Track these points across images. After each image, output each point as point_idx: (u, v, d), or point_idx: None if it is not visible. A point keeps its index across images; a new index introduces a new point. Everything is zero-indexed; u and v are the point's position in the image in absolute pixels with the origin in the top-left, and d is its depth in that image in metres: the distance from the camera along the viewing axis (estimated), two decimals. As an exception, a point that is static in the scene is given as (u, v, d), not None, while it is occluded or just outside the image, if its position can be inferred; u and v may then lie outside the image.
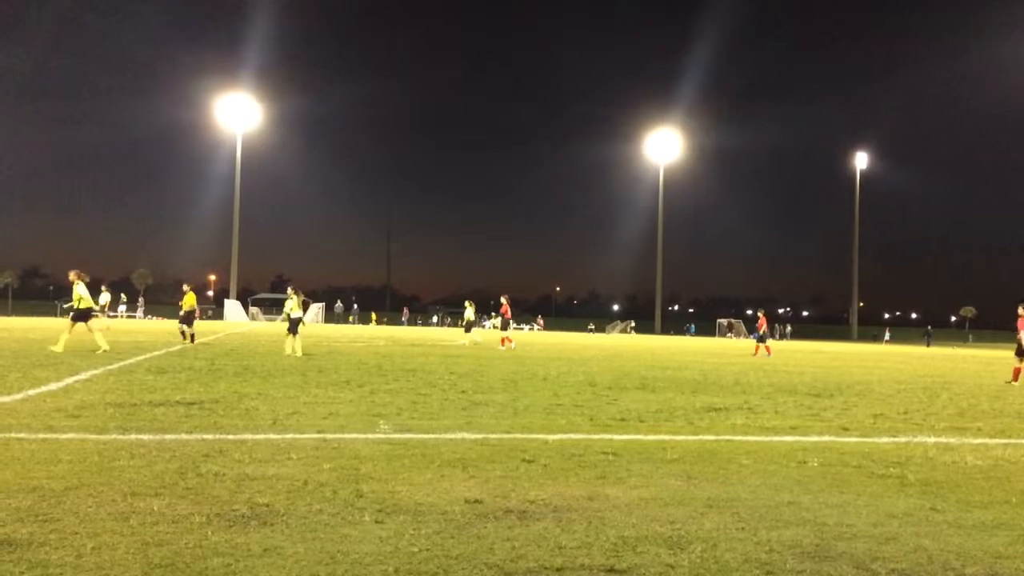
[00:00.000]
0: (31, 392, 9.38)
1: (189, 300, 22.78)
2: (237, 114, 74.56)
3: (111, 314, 43.23)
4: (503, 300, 30.28)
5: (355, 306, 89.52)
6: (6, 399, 8.67)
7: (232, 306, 70.62)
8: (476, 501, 4.78)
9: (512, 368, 16.77)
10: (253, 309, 73.85)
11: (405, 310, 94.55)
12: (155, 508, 4.37)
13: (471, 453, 6.37)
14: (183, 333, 22.56)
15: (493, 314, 59.33)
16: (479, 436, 7.27)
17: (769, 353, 28.99)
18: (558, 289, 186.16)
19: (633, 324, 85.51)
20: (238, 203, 75.20)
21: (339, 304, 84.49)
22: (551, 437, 7.39)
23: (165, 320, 56.68)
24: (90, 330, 17.73)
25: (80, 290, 17.75)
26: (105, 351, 16.85)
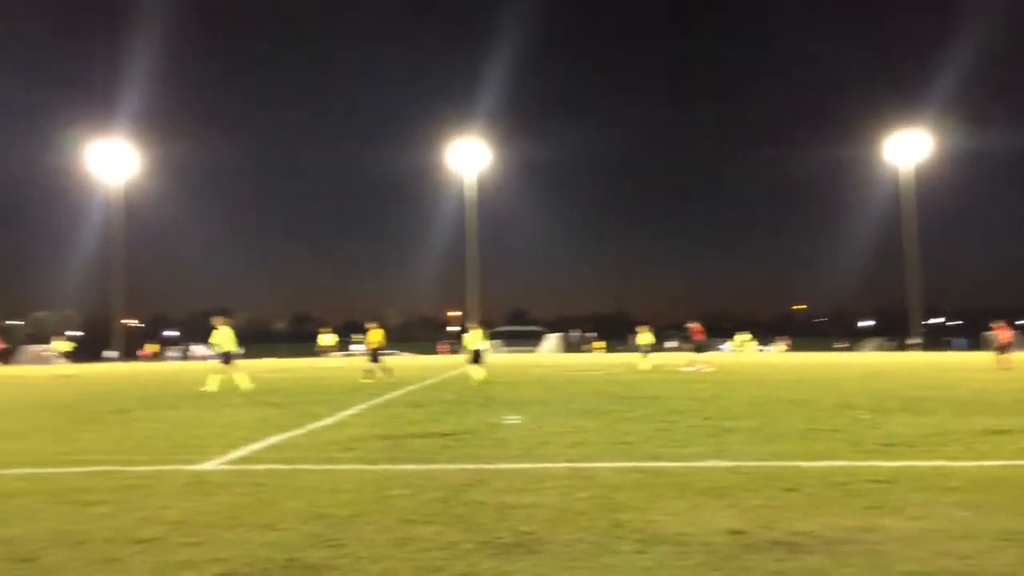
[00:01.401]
0: (311, 427, 10.35)
1: (375, 336, 23.74)
2: (468, 157, 78.94)
3: (338, 354, 46.41)
4: (693, 325, 29.81)
5: (589, 334, 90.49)
6: (292, 434, 9.62)
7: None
8: (739, 532, 4.62)
9: (757, 392, 16.15)
10: (493, 342, 76.79)
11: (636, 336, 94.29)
12: (427, 535, 4.64)
13: (725, 482, 6.18)
14: (375, 370, 22.98)
15: (737, 337, 57.35)
16: (732, 464, 7.04)
17: (1006, 366, 25.44)
18: (800, 307, 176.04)
19: (920, 341, 75.38)
20: (472, 241, 79.13)
21: (575, 333, 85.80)
22: (810, 464, 7.00)
23: (417, 356, 60.28)
24: (222, 372, 19.22)
25: (219, 334, 19.44)
26: (211, 392, 17.99)
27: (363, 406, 13.63)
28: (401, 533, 4.69)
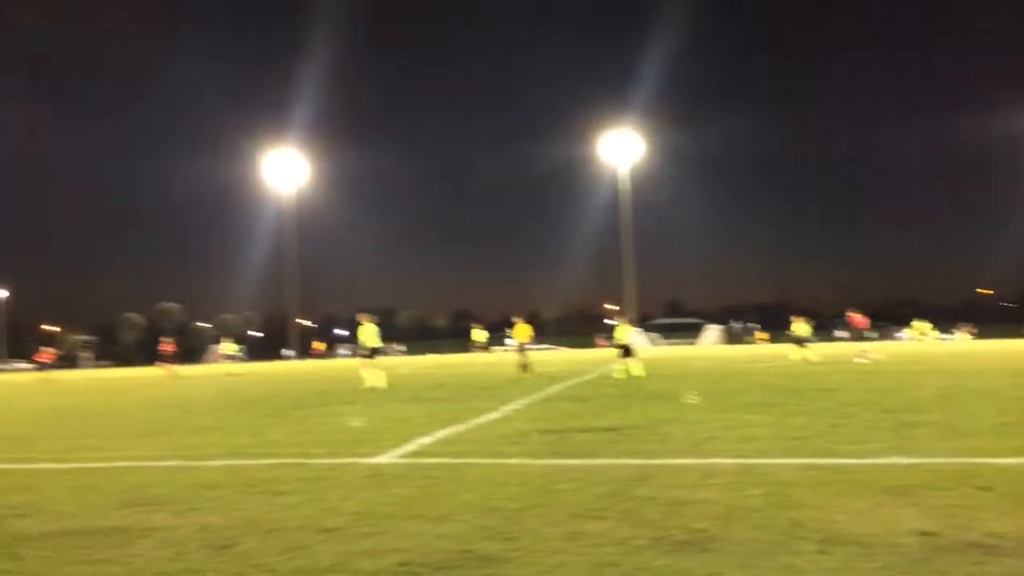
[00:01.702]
0: (477, 421, 10.61)
1: (522, 332, 23.63)
2: (621, 148, 78.60)
3: (498, 349, 47.21)
4: (853, 314, 28.33)
5: (752, 325, 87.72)
6: (458, 428, 9.89)
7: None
8: (929, 533, 4.34)
9: (941, 383, 15.10)
10: (652, 335, 75.92)
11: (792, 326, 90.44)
12: (598, 530, 4.64)
13: (910, 479, 5.81)
14: (523, 366, 23.05)
15: (916, 325, 53.52)
16: (915, 461, 6.62)
17: None
18: (986, 292, 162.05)
19: None
20: (626, 233, 78.44)
21: (737, 324, 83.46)
22: (1006, 461, 6.48)
23: (571, 350, 60.41)
24: (366, 367, 20.25)
25: (365, 330, 20.54)
26: (372, 388, 18.79)
27: (525, 401, 13.82)
28: (572, 527, 4.71)
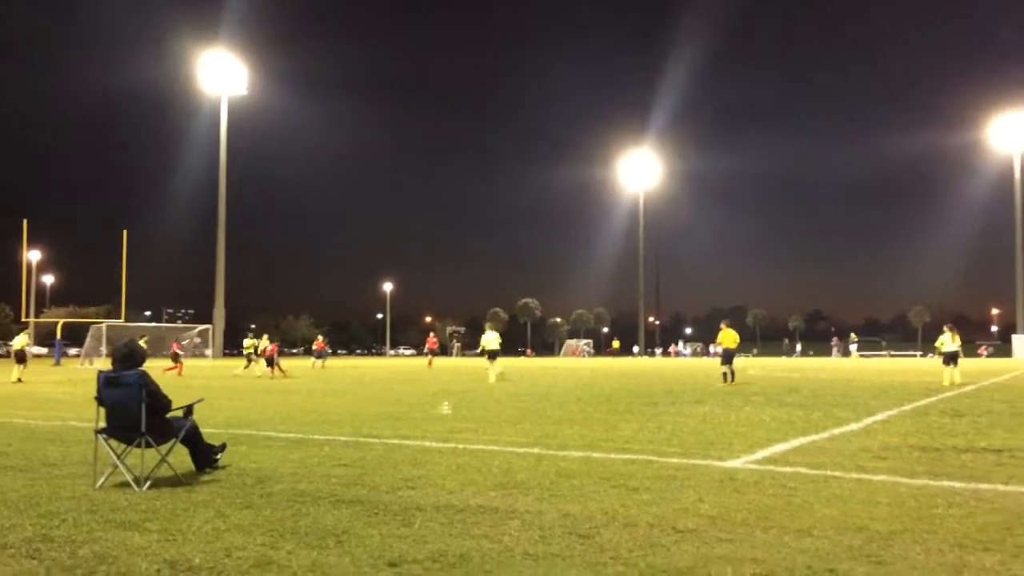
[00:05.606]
0: (835, 431, 9.98)
1: (728, 337, 21.01)
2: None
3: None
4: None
5: None
6: (815, 437, 9.39)
7: (1021, 342, 64.63)
8: None
9: None
10: None
11: None
12: (986, 564, 4.13)
13: None
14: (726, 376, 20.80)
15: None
16: None
17: None
18: None
19: None
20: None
21: None
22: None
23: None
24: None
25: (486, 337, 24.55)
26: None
27: (891, 412, 12.72)
28: (953, 558, 4.25)
